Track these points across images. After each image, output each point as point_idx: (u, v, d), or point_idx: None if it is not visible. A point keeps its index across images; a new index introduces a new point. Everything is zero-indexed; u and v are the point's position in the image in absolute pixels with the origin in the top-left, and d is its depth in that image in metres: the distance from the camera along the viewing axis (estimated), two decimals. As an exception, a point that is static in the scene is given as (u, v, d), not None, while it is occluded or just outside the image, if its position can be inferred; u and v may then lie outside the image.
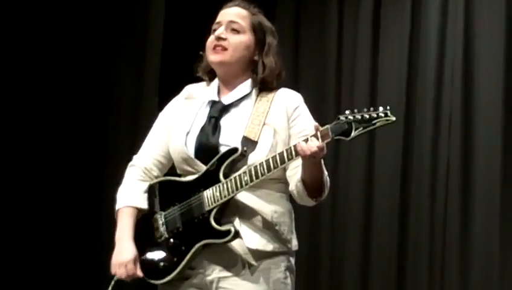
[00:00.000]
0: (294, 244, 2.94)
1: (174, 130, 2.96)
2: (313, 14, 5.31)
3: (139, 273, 2.90)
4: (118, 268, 2.90)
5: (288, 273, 2.91)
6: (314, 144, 2.67)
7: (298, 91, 3.04)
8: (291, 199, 2.94)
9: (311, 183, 2.80)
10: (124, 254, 2.90)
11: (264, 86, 2.96)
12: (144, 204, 2.97)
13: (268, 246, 2.85)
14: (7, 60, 4.95)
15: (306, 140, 2.69)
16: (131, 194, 2.98)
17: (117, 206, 2.99)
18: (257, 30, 2.97)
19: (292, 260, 2.93)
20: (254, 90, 2.95)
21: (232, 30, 2.94)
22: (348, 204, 4.99)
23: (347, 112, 2.69)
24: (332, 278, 5.04)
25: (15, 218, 4.96)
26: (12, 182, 4.97)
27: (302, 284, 4.75)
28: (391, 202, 4.87)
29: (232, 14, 2.96)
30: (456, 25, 4.78)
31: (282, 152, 2.74)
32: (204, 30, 3.02)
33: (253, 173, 2.76)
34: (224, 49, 2.92)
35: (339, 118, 2.69)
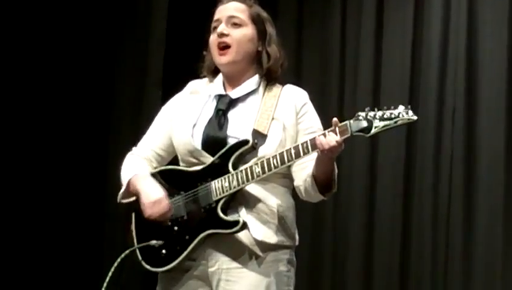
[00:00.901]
0: (297, 239, 2.95)
1: (179, 123, 2.96)
2: (316, 7, 5.30)
3: (171, 211, 2.86)
4: (150, 208, 2.85)
5: (290, 267, 2.92)
6: (333, 139, 2.68)
7: (301, 84, 3.06)
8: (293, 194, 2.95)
9: (322, 180, 2.81)
10: (153, 193, 2.86)
11: (270, 76, 2.96)
12: None
13: (274, 239, 2.86)
14: (9, 52, 4.94)
15: (324, 134, 2.70)
16: (139, 166, 2.98)
17: (127, 178, 2.95)
18: (257, 21, 2.98)
19: (293, 253, 2.94)
20: (261, 86, 2.96)
21: (233, 25, 2.94)
22: (351, 200, 4.98)
23: (367, 108, 2.70)
24: (335, 274, 5.02)
25: (17, 210, 4.96)
26: (14, 173, 4.97)
27: (304, 280, 4.79)
28: (394, 197, 4.86)
29: (230, 9, 2.97)
30: (459, 18, 4.77)
31: (298, 146, 2.75)
32: (208, 22, 3.02)
33: (265, 165, 2.77)
34: (228, 46, 2.92)
35: (358, 115, 2.70)
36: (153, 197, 2.86)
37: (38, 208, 5.00)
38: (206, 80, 3.05)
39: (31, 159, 5.02)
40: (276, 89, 2.96)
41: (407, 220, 4.83)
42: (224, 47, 2.93)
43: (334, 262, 5.03)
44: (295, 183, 2.90)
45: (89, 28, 5.13)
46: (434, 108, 4.78)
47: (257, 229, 2.83)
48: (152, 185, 2.89)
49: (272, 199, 2.87)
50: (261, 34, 2.97)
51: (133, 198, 2.95)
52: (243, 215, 2.82)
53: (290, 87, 2.99)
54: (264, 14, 3.01)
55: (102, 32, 5.17)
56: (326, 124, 2.77)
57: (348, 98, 5.08)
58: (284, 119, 2.89)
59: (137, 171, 2.96)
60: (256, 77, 2.96)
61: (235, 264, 2.85)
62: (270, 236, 2.85)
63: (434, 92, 4.79)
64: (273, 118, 2.88)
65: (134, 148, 3.07)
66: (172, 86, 3.21)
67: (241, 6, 2.98)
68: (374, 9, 5.04)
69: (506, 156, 4.58)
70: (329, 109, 4.91)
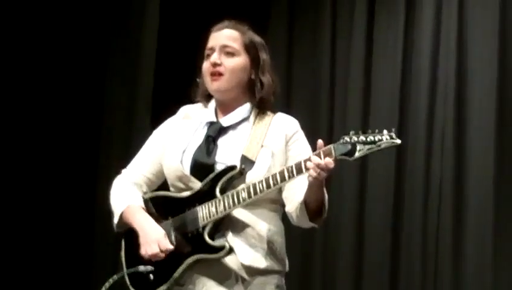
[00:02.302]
0: (287, 263, 2.95)
1: (169, 148, 2.96)
2: (306, 32, 5.32)
3: (171, 246, 2.84)
4: (149, 246, 2.84)
5: (279, 291, 2.91)
6: (316, 162, 2.68)
7: (290, 109, 3.06)
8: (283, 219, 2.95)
9: (312, 206, 2.81)
10: (153, 232, 2.85)
11: (262, 104, 2.97)
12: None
13: (262, 263, 2.85)
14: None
15: (309, 158, 2.70)
16: (132, 195, 2.97)
17: (119, 209, 2.95)
18: (250, 49, 2.97)
19: (283, 279, 2.93)
20: (252, 114, 2.96)
21: (226, 54, 2.94)
22: (340, 223, 4.97)
23: (351, 132, 2.71)
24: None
25: (5, 229, 4.94)
26: (3, 194, 4.95)
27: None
28: (383, 222, 4.86)
29: (223, 37, 2.96)
30: (448, 44, 4.79)
31: (283, 170, 2.76)
32: (198, 48, 3.03)
33: (251, 189, 2.78)
34: (221, 74, 2.92)
35: (343, 138, 2.70)
36: (152, 237, 2.85)
37: (27, 229, 4.98)
38: (199, 105, 3.05)
39: (20, 180, 5.00)
40: (268, 117, 2.96)
41: (397, 244, 4.83)
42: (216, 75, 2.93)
43: (323, 285, 5.01)
44: (286, 209, 2.90)
45: (78, 51, 5.13)
46: (423, 133, 4.79)
47: (245, 253, 2.83)
48: (151, 225, 2.88)
49: (260, 223, 2.87)
50: (254, 61, 2.97)
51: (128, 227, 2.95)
52: (230, 239, 2.82)
53: (281, 116, 2.99)
54: (258, 40, 3.01)
55: (92, 54, 5.17)
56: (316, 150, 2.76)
57: (337, 123, 5.09)
58: (273, 147, 2.89)
59: (130, 201, 2.96)
60: (248, 105, 2.97)
61: (222, 288, 2.84)
62: (259, 260, 2.85)
63: (423, 117, 4.80)
64: (262, 146, 2.88)
65: (124, 171, 3.07)
66: (162, 111, 3.21)
67: (234, 34, 2.97)
68: (363, 34, 5.05)
69: (496, 180, 4.58)
70: (319, 135, 4.89)
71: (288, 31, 5.35)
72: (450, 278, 4.62)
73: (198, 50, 3.01)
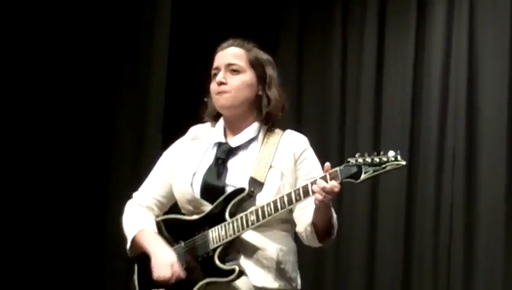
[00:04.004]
0: (299, 282, 2.94)
1: (179, 170, 2.96)
2: (316, 49, 5.34)
3: (183, 274, 2.85)
4: (161, 270, 2.83)
5: (291, 312, 2.90)
6: (322, 185, 2.68)
7: (301, 128, 3.05)
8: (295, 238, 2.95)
9: (321, 227, 2.82)
10: (165, 256, 2.86)
11: (270, 120, 2.96)
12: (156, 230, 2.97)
13: (274, 284, 2.85)
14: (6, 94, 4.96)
15: (315, 181, 2.70)
16: (144, 219, 2.98)
17: (131, 234, 2.95)
18: (256, 65, 2.97)
19: (295, 298, 2.93)
20: (261, 133, 2.96)
21: (231, 72, 2.94)
22: (352, 245, 4.99)
23: (357, 155, 2.71)
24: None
25: (16, 252, 4.95)
26: (13, 217, 4.96)
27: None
28: (395, 243, 4.87)
29: (228, 55, 2.97)
30: (459, 62, 4.80)
31: (290, 193, 2.76)
32: (208, 69, 3.03)
33: (259, 213, 2.77)
34: (227, 92, 2.92)
35: (348, 161, 2.70)
36: (164, 261, 2.85)
37: (37, 251, 4.98)
38: (207, 124, 3.05)
39: (30, 203, 5.00)
40: (276, 135, 2.95)
41: (408, 266, 4.83)
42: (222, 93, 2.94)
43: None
44: (297, 229, 2.90)
45: (89, 71, 5.14)
46: (434, 153, 4.80)
47: (257, 275, 2.83)
48: (163, 249, 2.89)
49: (271, 244, 2.86)
50: (261, 77, 2.97)
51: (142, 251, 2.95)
52: (242, 262, 2.82)
53: (290, 134, 2.98)
54: (264, 57, 3.01)
55: (103, 75, 5.18)
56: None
57: (348, 141, 5.10)
58: (281, 167, 2.88)
59: (142, 225, 2.96)
60: (256, 124, 2.96)
61: (235, 312, 2.84)
62: (270, 282, 2.84)
63: (434, 136, 4.82)
64: (270, 166, 2.88)
65: (134, 195, 3.07)
66: (173, 130, 3.22)
67: (239, 51, 2.98)
68: (374, 50, 5.08)
69: (507, 204, 4.58)
70: (329, 152, 4.93)
71: (298, 49, 5.38)
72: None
73: (208, 70, 3.02)
